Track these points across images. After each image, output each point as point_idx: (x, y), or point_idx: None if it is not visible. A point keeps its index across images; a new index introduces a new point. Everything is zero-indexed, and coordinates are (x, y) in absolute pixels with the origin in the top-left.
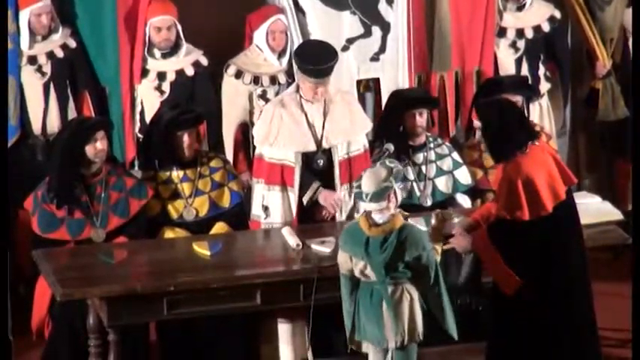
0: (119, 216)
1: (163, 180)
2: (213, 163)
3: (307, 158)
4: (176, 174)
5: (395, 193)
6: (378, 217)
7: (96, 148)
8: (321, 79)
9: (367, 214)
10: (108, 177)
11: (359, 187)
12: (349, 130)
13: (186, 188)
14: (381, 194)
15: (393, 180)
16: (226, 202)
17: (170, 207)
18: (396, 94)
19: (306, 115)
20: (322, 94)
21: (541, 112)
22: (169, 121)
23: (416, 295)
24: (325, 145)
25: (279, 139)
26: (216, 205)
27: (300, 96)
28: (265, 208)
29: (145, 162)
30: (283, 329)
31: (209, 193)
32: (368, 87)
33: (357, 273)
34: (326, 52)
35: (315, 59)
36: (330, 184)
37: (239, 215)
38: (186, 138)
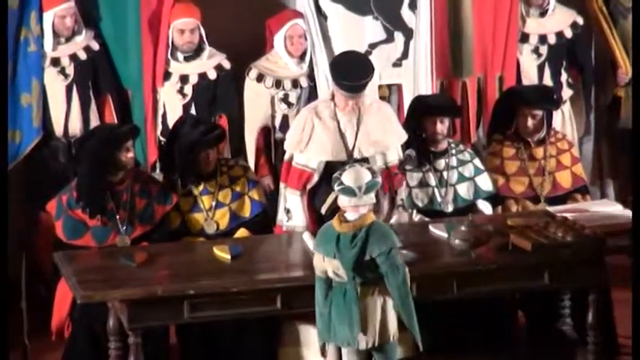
0: (145, 223)
1: (183, 193)
2: (234, 172)
3: (335, 168)
4: (196, 187)
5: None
6: (350, 215)
7: (126, 156)
8: (354, 93)
9: (340, 213)
10: (133, 184)
11: (341, 183)
12: (382, 142)
13: (205, 201)
14: (373, 186)
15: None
16: (247, 212)
17: (190, 220)
18: (418, 100)
19: (338, 124)
20: (354, 106)
21: (563, 119)
22: (193, 144)
23: (389, 296)
24: (357, 155)
25: (310, 147)
26: (237, 215)
27: (335, 104)
28: (287, 211)
29: (166, 176)
30: (303, 332)
31: (229, 205)
32: (389, 92)
33: (330, 274)
34: (362, 68)
35: (350, 75)
36: None
37: (261, 224)
38: (209, 155)
